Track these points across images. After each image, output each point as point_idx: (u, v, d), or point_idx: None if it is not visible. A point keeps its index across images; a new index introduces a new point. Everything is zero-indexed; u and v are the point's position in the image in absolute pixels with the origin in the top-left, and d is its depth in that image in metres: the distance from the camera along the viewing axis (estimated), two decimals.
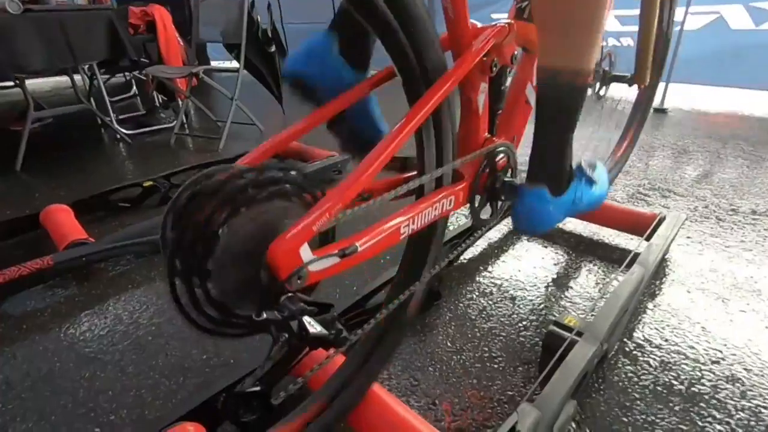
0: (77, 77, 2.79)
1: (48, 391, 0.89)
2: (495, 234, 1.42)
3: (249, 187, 0.47)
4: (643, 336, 0.96)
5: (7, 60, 1.84)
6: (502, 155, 0.75)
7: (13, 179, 2.11)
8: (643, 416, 0.78)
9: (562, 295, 1.11)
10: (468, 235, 0.80)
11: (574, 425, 0.77)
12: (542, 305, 1.08)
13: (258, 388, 0.49)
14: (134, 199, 1.70)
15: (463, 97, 0.68)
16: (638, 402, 0.81)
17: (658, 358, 0.90)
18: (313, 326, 0.48)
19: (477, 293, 1.13)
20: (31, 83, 2.86)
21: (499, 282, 1.17)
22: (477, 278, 1.19)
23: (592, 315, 1.02)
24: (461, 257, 1.28)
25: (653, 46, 1.05)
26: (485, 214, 0.76)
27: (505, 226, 1.46)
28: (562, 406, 0.70)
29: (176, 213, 0.47)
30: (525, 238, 1.38)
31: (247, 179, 0.47)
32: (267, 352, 0.50)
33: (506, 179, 0.76)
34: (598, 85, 1.18)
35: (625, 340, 0.96)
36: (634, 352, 0.92)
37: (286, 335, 0.47)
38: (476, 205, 0.72)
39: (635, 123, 1.37)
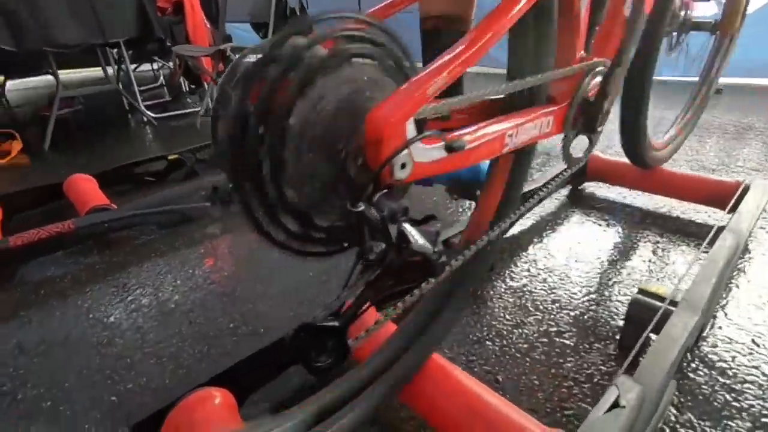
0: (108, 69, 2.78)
1: (62, 357, 0.81)
2: (548, 205, 1.28)
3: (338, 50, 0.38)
4: (738, 311, 0.82)
5: (37, 32, 1.81)
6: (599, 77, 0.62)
7: (40, 158, 2.09)
8: (760, 402, 0.64)
9: (633, 269, 0.97)
10: (549, 181, 0.66)
11: (674, 410, 0.64)
12: (612, 279, 0.94)
13: (336, 323, 0.40)
14: (159, 173, 1.64)
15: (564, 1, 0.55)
16: (749, 386, 0.67)
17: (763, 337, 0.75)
18: (415, 237, 0.38)
19: (533, 266, 1.00)
20: (63, 75, 2.88)
21: (557, 256, 1.03)
22: (531, 251, 1.06)
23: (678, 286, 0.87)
24: (511, 229, 1.15)
25: None
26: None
27: (557, 198, 1.32)
28: (667, 381, 0.57)
29: (242, 84, 0.37)
30: (581, 210, 1.24)
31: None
32: (347, 278, 0.40)
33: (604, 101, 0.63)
34: (675, 33, 1.03)
35: (718, 314, 0.81)
36: (729, 328, 0.78)
37: (378, 249, 0.37)
38: (570, 135, 0.59)
39: (711, 74, 1.21)
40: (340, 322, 0.40)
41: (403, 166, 0.37)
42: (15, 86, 4.01)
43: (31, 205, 1.37)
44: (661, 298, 0.70)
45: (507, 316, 0.84)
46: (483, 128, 0.45)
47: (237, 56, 0.41)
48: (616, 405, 0.50)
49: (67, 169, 1.90)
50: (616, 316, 0.83)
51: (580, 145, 0.64)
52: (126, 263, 1.11)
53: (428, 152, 0.39)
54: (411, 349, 0.59)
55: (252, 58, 0.39)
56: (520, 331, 0.81)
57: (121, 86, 2.73)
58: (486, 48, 0.41)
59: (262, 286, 0.98)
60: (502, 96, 0.51)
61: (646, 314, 0.69)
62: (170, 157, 1.62)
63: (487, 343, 0.78)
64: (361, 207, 0.36)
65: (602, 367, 0.72)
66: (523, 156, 0.59)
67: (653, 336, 0.67)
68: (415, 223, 0.41)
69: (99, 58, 2.66)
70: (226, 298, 0.95)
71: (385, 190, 0.38)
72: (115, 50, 2.71)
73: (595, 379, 0.70)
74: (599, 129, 0.62)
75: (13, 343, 0.85)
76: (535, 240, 1.11)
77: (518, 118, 0.49)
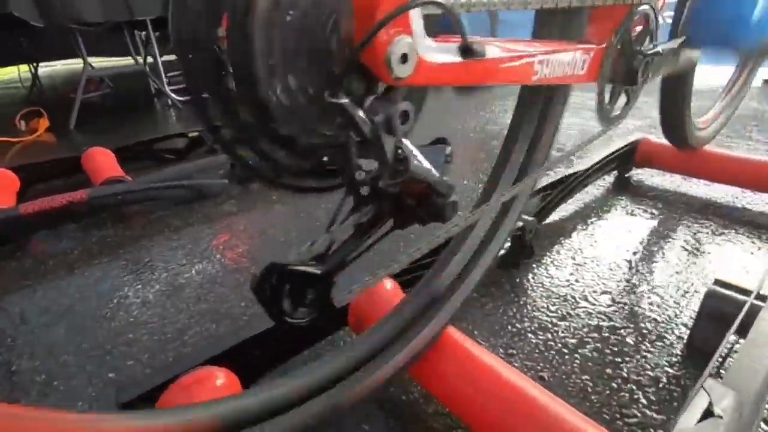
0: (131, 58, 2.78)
1: (64, 329, 0.75)
2: (593, 192, 1.16)
3: None
4: None
5: (63, 8, 1.79)
6: (644, 22, 0.52)
7: (66, 136, 2.09)
8: None
9: (694, 262, 0.85)
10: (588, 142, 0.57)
11: (764, 425, 0.52)
12: (671, 272, 0.82)
13: (317, 270, 0.33)
14: (180, 150, 1.59)
15: None
16: None
17: None
18: (418, 157, 0.30)
19: (579, 254, 0.89)
20: (95, 63, 2.90)
21: (604, 245, 0.92)
22: (575, 239, 0.95)
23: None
24: (552, 215, 1.04)
25: None
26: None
27: (601, 185, 1.20)
28: (766, 389, 0.46)
29: None
30: (630, 198, 1.12)
31: None
32: (333, 214, 0.32)
33: (648, 50, 0.53)
34: None
35: None
36: None
37: (368, 171, 0.29)
38: (606, 84, 0.49)
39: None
40: (322, 269, 0.33)
41: (404, 58, 0.29)
42: (48, 71, 4.11)
43: (49, 177, 1.33)
44: (746, 291, 0.59)
45: (551, 307, 0.74)
46: (511, 43, 0.36)
47: None
48: (709, 414, 0.39)
49: (88, 146, 1.89)
50: (680, 312, 0.72)
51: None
52: (139, 237, 1.06)
53: (438, 51, 0.31)
54: (423, 318, 0.50)
55: None
56: (566, 323, 0.70)
57: (147, 68, 2.72)
58: None
59: None
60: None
61: (726, 310, 0.58)
62: (190, 135, 1.57)
63: (529, 335, 0.68)
64: (344, 99, 0.29)
65: (669, 370, 0.61)
66: (555, 100, 0.50)
67: (732, 336, 0.56)
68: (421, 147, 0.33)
69: (127, 43, 2.67)
70: (239, 275, 0.88)
71: (381, 93, 0.31)
72: (143, 33, 2.70)
73: (661, 384, 0.59)
74: (640, 81, 0.52)
75: (16, 312, 0.81)
76: (580, 228, 0.99)
77: (551, 45, 0.39)
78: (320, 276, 0.34)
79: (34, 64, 3.25)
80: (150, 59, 2.74)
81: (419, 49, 0.30)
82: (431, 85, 0.33)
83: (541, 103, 0.53)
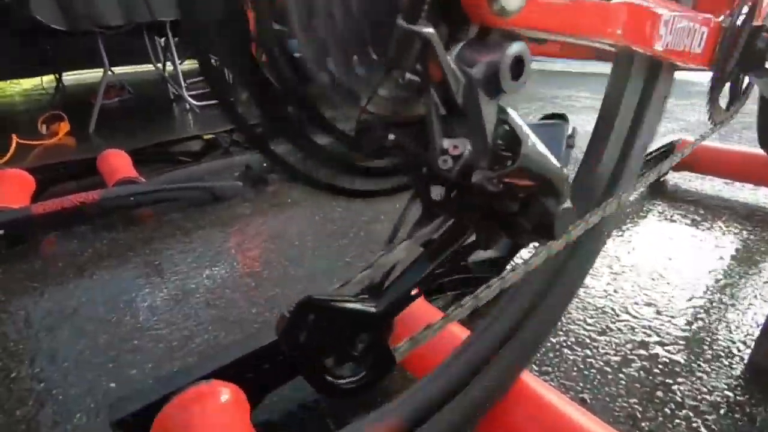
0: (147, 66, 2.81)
1: (67, 334, 0.72)
2: None
3: None
4: None
5: (84, 11, 1.81)
6: None
7: (85, 139, 2.11)
8: None
9: (747, 273, 0.77)
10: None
11: None
12: (722, 282, 0.74)
13: (372, 308, 0.24)
14: (195, 153, 1.57)
15: None
16: None
17: None
18: (532, 138, 0.22)
19: (616, 262, 0.82)
20: (117, 71, 2.95)
21: (644, 252, 0.85)
22: (610, 246, 0.88)
23: None
24: None
25: None
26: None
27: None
28: None
29: None
30: (667, 203, 1.04)
31: None
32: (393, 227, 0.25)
33: None
34: None
35: None
36: None
37: (456, 159, 0.21)
38: (722, 70, 0.42)
39: None
40: (378, 307, 0.24)
41: None
42: (72, 79, 4.20)
43: (64, 178, 1.32)
44: None
45: (588, 320, 0.67)
46: None
47: None
48: None
49: (105, 148, 1.89)
50: (736, 327, 0.64)
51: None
52: (150, 240, 1.03)
53: None
54: (492, 363, 0.41)
55: None
56: (607, 338, 0.63)
57: (167, 75, 2.74)
58: None
59: (292, 270, 0.86)
60: None
61: None
62: (206, 137, 1.55)
63: (566, 351, 0.62)
64: (428, 28, 0.19)
65: (729, 393, 0.54)
66: (665, 76, 0.41)
67: None
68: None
69: (147, 52, 2.70)
70: (251, 280, 0.83)
71: (476, 36, 0.22)
72: (163, 39, 2.73)
73: (722, 410, 0.52)
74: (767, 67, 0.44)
75: (21, 316, 0.77)
76: (614, 234, 0.92)
77: (677, 9, 0.33)
78: (375, 316, 0.25)
79: (57, 75, 3.32)
80: (170, 66, 2.77)
81: None
82: (543, 30, 0.23)
83: (639, 93, 0.43)
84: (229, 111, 0.25)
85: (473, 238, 0.29)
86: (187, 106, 2.66)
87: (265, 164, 1.29)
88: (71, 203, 1.00)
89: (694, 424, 0.50)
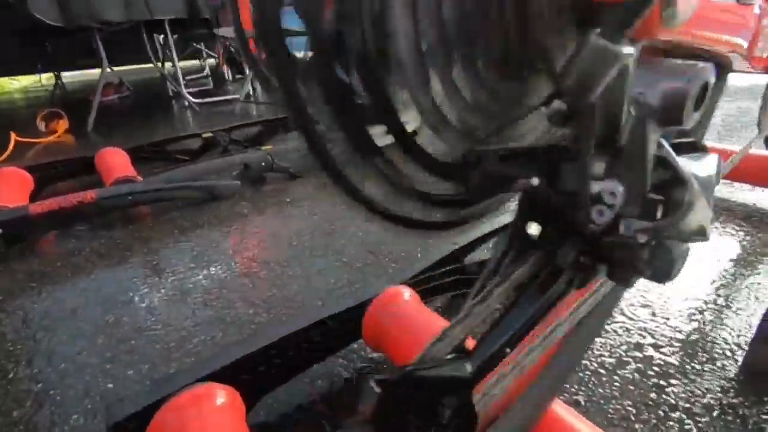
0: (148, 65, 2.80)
1: (65, 335, 0.72)
2: None
3: None
4: None
5: (84, 8, 1.80)
6: None
7: (84, 137, 2.10)
8: None
9: (746, 275, 0.77)
10: None
11: None
12: (720, 285, 0.75)
13: (459, 372, 0.21)
14: (193, 152, 1.57)
15: None
16: None
17: None
18: (682, 170, 0.18)
19: None
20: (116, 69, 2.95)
21: None
22: None
23: None
24: None
25: None
26: None
27: None
28: None
29: None
30: None
31: None
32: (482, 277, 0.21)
33: None
34: None
35: None
36: None
37: (611, 208, 0.18)
38: None
39: None
40: (471, 368, 0.22)
41: None
42: (71, 76, 4.19)
43: (62, 176, 1.32)
44: None
45: None
46: None
47: None
48: None
49: (104, 147, 1.89)
50: (731, 330, 0.64)
51: None
52: (148, 239, 1.03)
53: None
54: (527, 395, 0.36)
55: None
56: (602, 340, 0.64)
57: (165, 72, 2.74)
58: None
59: (290, 270, 0.86)
60: None
61: None
62: (204, 135, 1.55)
63: None
64: (628, 47, 0.15)
65: (722, 396, 0.54)
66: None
67: None
68: None
69: (146, 50, 2.69)
70: (248, 281, 0.83)
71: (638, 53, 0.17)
72: (161, 36, 2.73)
73: (715, 413, 0.52)
74: None
75: (19, 316, 0.78)
76: None
77: None
78: (467, 381, 0.22)
79: (56, 73, 3.31)
80: (169, 65, 2.76)
81: None
82: (697, 44, 0.20)
83: None
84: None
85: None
86: (186, 104, 2.66)
87: (263, 163, 1.29)
88: (69, 202, 1.00)
89: (687, 426, 0.50)
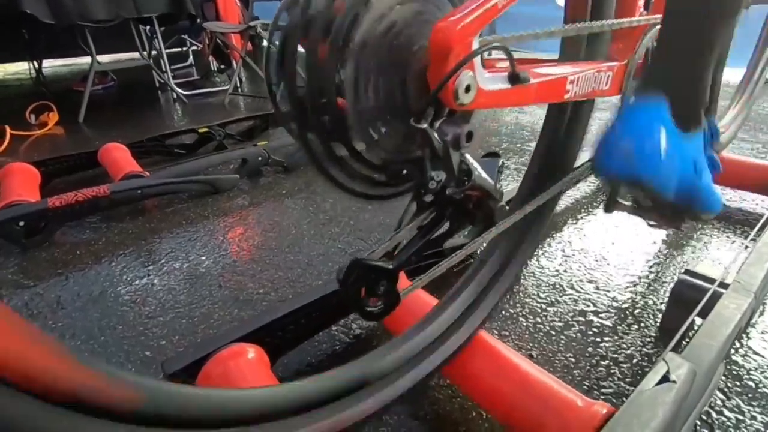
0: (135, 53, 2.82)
1: (98, 313, 0.83)
2: (584, 189, 1.24)
3: None
4: None
5: (73, 7, 1.84)
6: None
7: (76, 130, 2.15)
8: None
9: (673, 254, 0.93)
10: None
11: (720, 394, 0.61)
12: (651, 263, 0.90)
13: (389, 265, 0.39)
14: (190, 146, 1.66)
15: None
16: None
17: None
18: (478, 169, 0.37)
19: (568, 247, 0.97)
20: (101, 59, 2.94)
21: (592, 238, 1.00)
22: (565, 232, 1.02)
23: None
24: None
25: None
26: None
27: (592, 182, 1.28)
28: (718, 362, 0.54)
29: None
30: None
31: None
32: (400, 218, 0.40)
33: None
34: None
35: None
36: None
37: (438, 180, 0.37)
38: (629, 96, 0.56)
39: (762, 60, 1.14)
40: (393, 265, 0.39)
41: (467, 89, 0.35)
42: (48, 64, 4.12)
43: (67, 171, 1.40)
44: (711, 280, 0.67)
45: (541, 295, 0.82)
46: (547, 67, 0.43)
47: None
48: (665, 379, 0.47)
49: (99, 140, 1.94)
50: (656, 299, 0.80)
51: None
52: (157, 229, 1.13)
53: (492, 80, 0.37)
54: (458, 323, 0.56)
55: None
56: (554, 309, 0.78)
57: (152, 62, 2.76)
58: None
59: (292, 255, 0.98)
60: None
61: (693, 295, 0.66)
62: (200, 131, 1.63)
63: (521, 319, 0.76)
64: (425, 124, 0.34)
65: (642, 348, 0.69)
66: (581, 112, 0.56)
67: (698, 319, 0.64)
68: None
69: (133, 41, 2.70)
70: (255, 265, 0.95)
71: (446, 117, 0.37)
72: (148, 27, 2.74)
73: (635, 360, 0.67)
74: None
75: (52, 298, 0.88)
76: (570, 222, 1.07)
77: (580, 65, 0.46)
78: (391, 271, 0.39)
79: (37, 62, 3.28)
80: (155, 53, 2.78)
81: (479, 80, 0.36)
82: (486, 108, 0.38)
83: (568, 113, 0.59)
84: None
85: (447, 227, 0.45)
86: (174, 95, 2.70)
87: (260, 158, 1.40)
88: (84, 196, 1.09)
89: (612, 371, 0.65)
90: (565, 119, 0.59)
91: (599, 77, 0.50)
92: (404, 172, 0.40)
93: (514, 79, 0.37)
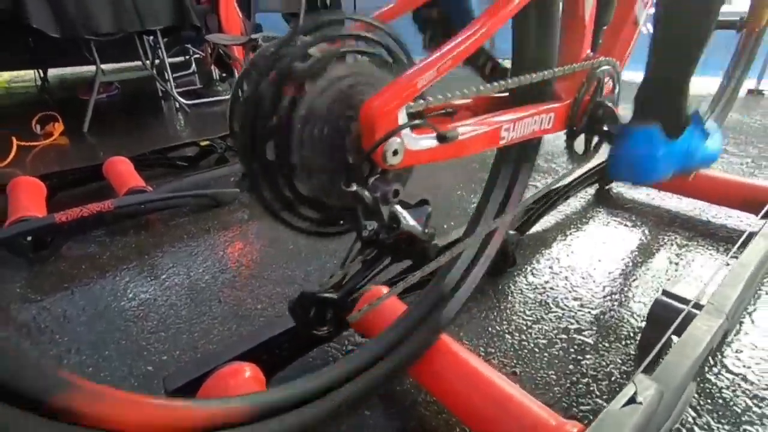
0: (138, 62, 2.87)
1: (102, 327, 0.87)
2: (574, 204, 1.27)
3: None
4: (767, 318, 0.80)
5: (78, 20, 1.89)
6: (606, 77, 0.63)
7: (80, 140, 2.19)
8: None
9: (658, 272, 0.96)
10: (557, 181, 0.68)
11: (692, 411, 0.64)
12: (635, 281, 0.93)
13: (334, 296, 0.45)
14: (192, 158, 1.70)
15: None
16: None
17: None
18: (406, 218, 0.41)
19: (556, 264, 1.00)
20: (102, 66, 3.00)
21: (580, 255, 1.03)
22: (554, 249, 1.06)
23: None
24: (535, 226, 1.15)
25: None
26: (580, 149, 0.66)
27: (582, 198, 1.31)
28: (687, 382, 0.57)
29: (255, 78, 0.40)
30: (607, 210, 1.23)
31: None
32: (345, 255, 0.44)
33: (609, 105, 0.65)
34: None
35: (745, 320, 0.80)
36: (755, 334, 0.77)
37: (371, 228, 0.41)
38: (573, 133, 0.60)
39: (737, 73, 1.18)
40: (338, 295, 0.46)
41: (395, 153, 0.40)
42: (53, 72, 4.18)
43: (73, 184, 1.44)
44: (685, 300, 0.70)
45: (527, 312, 0.85)
46: (478, 121, 0.48)
47: (259, 48, 0.44)
48: (632, 401, 0.51)
49: (103, 150, 1.99)
50: (638, 317, 0.83)
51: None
52: (160, 243, 1.17)
53: (420, 141, 0.43)
54: (420, 328, 0.61)
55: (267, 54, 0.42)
56: (539, 326, 0.82)
57: (155, 72, 2.81)
58: (476, 45, 0.43)
59: (289, 271, 1.02)
60: (505, 93, 0.53)
61: (668, 316, 0.69)
62: (202, 143, 1.68)
63: (507, 336, 0.80)
64: (354, 187, 0.40)
65: (622, 366, 0.72)
66: (528, 148, 0.61)
67: (675, 338, 0.67)
68: (407, 206, 0.46)
69: (137, 51, 2.75)
70: (254, 280, 0.99)
71: (378, 175, 0.43)
72: (151, 38, 2.79)
73: (614, 378, 0.70)
74: (605, 128, 0.63)
75: (59, 312, 0.92)
76: (559, 238, 1.10)
77: (517, 113, 0.51)
78: (337, 300, 0.45)
79: (42, 70, 3.34)
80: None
81: (406, 143, 0.41)
82: (418, 164, 0.44)
83: (516, 149, 0.64)
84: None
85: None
86: (177, 104, 2.74)
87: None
88: (90, 211, 1.13)
89: (591, 388, 0.68)
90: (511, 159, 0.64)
91: (539, 119, 0.54)
92: (341, 222, 0.47)
93: (442, 138, 0.42)
